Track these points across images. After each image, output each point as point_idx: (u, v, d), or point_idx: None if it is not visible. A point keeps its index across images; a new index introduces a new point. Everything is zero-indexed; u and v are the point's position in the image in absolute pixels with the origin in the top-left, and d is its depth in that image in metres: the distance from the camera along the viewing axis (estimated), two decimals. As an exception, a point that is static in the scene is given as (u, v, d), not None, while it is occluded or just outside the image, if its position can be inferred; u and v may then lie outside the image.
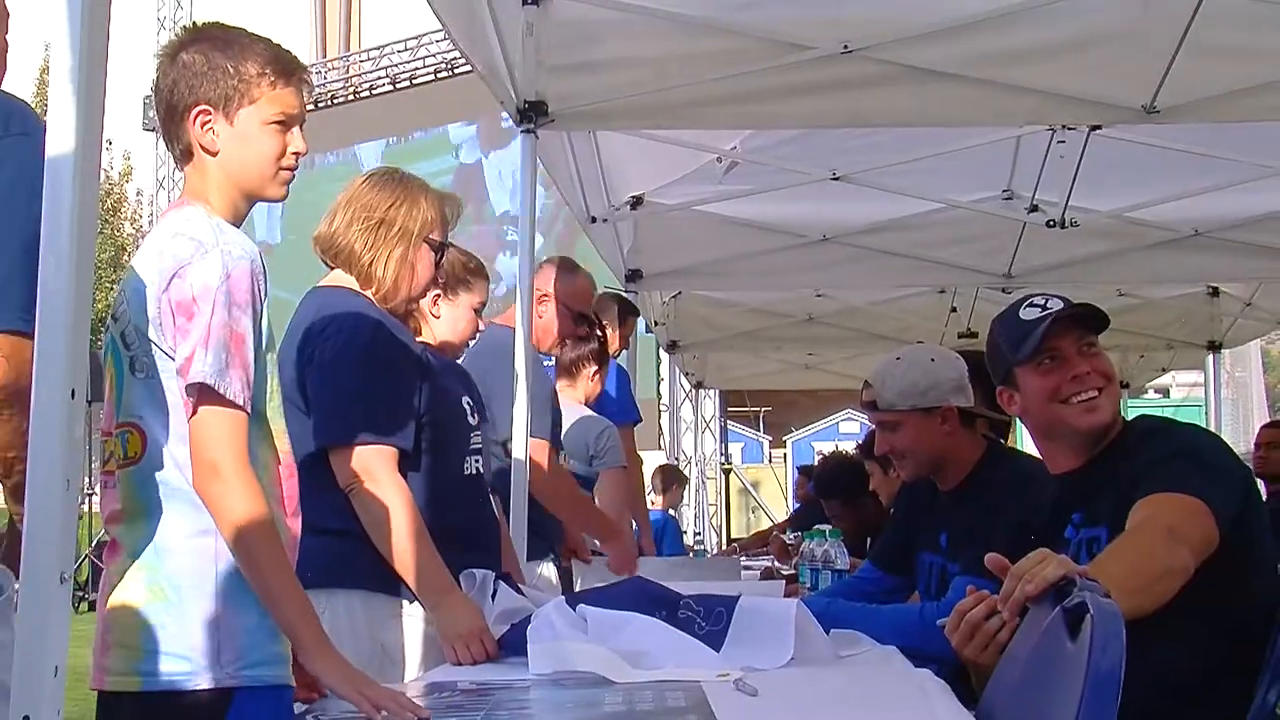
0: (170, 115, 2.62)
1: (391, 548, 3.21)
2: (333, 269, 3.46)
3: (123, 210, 33.38)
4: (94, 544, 19.54)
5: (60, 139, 1.77)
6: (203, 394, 2.40)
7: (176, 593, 2.45)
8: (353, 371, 3.27)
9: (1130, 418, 3.14)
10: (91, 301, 1.79)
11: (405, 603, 3.30)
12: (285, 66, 2.66)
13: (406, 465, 3.31)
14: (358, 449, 3.20)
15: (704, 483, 16.72)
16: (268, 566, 2.40)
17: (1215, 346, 10.04)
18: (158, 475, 2.48)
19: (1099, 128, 5.54)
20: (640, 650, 2.81)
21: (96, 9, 1.78)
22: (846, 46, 4.74)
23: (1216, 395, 10.41)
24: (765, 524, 22.36)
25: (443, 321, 4.17)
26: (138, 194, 33.32)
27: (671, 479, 11.22)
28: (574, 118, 5.07)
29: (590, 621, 2.95)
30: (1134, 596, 2.44)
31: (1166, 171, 6.48)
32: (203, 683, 2.43)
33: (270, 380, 2.59)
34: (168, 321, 2.45)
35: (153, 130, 23.27)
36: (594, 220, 6.74)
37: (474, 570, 3.40)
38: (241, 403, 2.44)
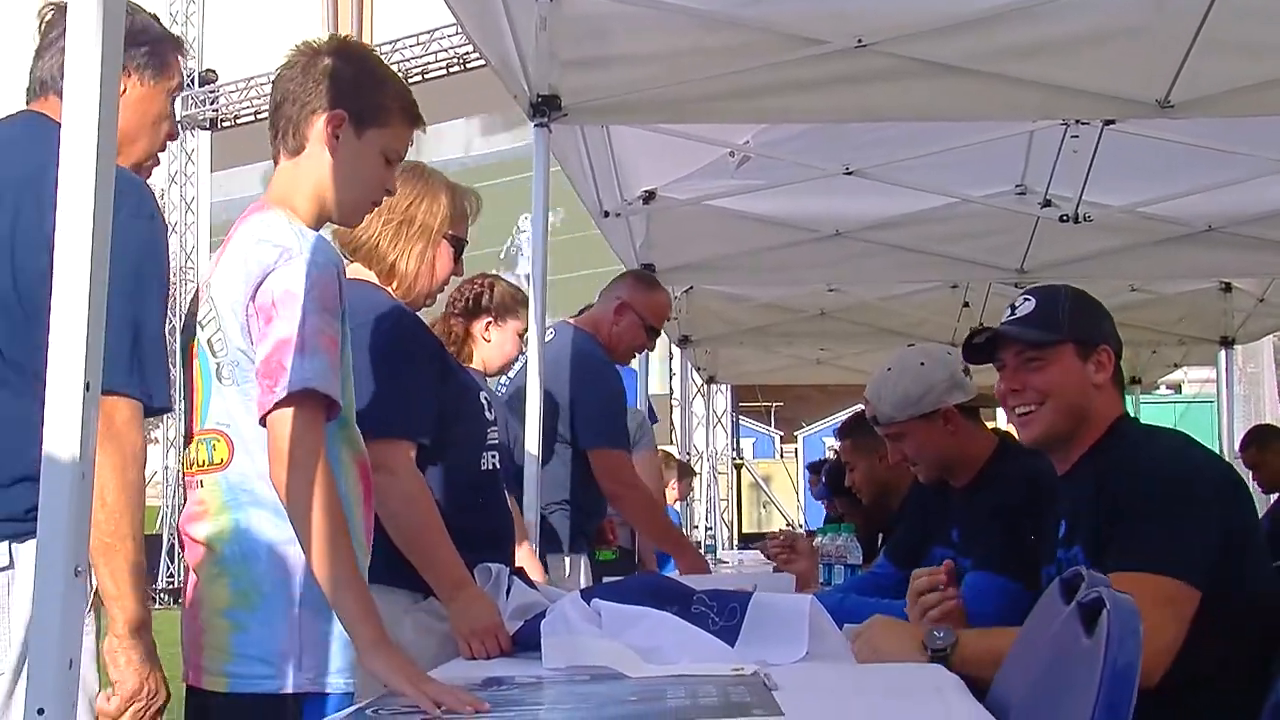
0: (295, 106, 2.68)
1: (408, 541, 3.21)
2: (350, 262, 3.46)
3: (135, 205, 33.41)
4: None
5: (76, 135, 1.76)
6: (303, 397, 2.42)
7: (261, 598, 2.54)
8: (373, 366, 3.27)
9: (1128, 418, 3.12)
10: (107, 296, 1.78)
11: (419, 597, 3.30)
12: (415, 111, 2.79)
13: (424, 459, 3.32)
14: (376, 442, 3.19)
15: (715, 477, 16.76)
16: (335, 563, 2.40)
17: (1228, 342, 10.01)
18: (244, 483, 2.55)
19: (1113, 122, 5.53)
20: (654, 645, 2.80)
21: (113, 6, 1.77)
22: (860, 41, 4.74)
23: (1229, 391, 10.39)
24: (777, 518, 22.42)
25: (492, 345, 4.70)
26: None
27: (683, 472, 11.22)
28: (587, 112, 5.07)
29: (604, 616, 2.94)
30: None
31: (1180, 166, 6.46)
32: (284, 686, 2.52)
33: (349, 385, 2.65)
34: (255, 327, 2.50)
35: (165, 125, 23.29)
36: (606, 215, 6.74)
37: (489, 565, 3.40)
38: (342, 405, 2.51)
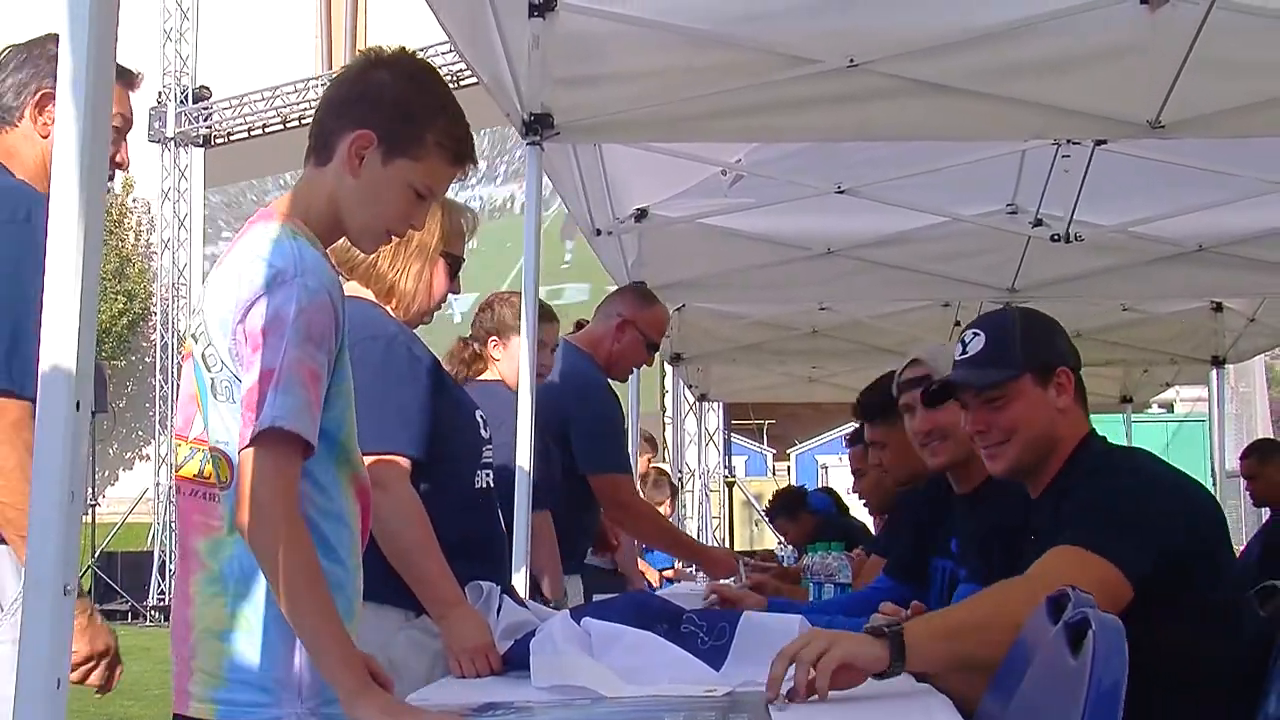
0: (332, 114, 2.60)
1: (400, 556, 3.21)
2: (347, 280, 3.45)
3: (127, 222, 33.47)
4: (96, 554, 19.64)
5: (66, 150, 1.77)
6: (271, 434, 2.33)
7: (261, 622, 2.43)
8: (368, 382, 3.22)
9: (1093, 436, 3.12)
10: (97, 314, 1.79)
11: (411, 615, 3.30)
12: (461, 150, 2.64)
13: (419, 476, 3.32)
14: (369, 457, 3.12)
15: (707, 495, 16.74)
16: (309, 611, 2.34)
17: (1219, 362, 10.03)
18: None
19: (1104, 142, 5.54)
20: (636, 665, 2.80)
21: (103, 19, 1.78)
22: (852, 60, 4.74)
23: (1220, 410, 10.41)
24: (768, 536, 22.41)
25: (503, 361, 4.88)
26: (135, 203, 33.47)
27: (672, 490, 11.24)
28: (579, 130, 5.07)
29: (593, 636, 2.95)
30: (951, 642, 2.57)
31: (1171, 186, 6.47)
32: (281, 716, 2.42)
33: (349, 409, 2.58)
34: (243, 351, 2.40)
35: (158, 141, 23.30)
36: (599, 233, 6.75)
37: (480, 582, 3.40)
38: (313, 444, 2.39)
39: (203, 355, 2.49)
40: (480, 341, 4.98)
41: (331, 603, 2.37)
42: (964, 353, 3.12)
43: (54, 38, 3.08)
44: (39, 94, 3.19)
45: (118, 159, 3.18)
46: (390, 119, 2.56)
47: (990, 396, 3.06)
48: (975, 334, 3.12)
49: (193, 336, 2.54)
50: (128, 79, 3.20)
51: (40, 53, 3.21)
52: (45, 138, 3.19)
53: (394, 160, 2.56)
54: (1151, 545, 2.75)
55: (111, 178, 3.13)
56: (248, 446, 2.33)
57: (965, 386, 3.12)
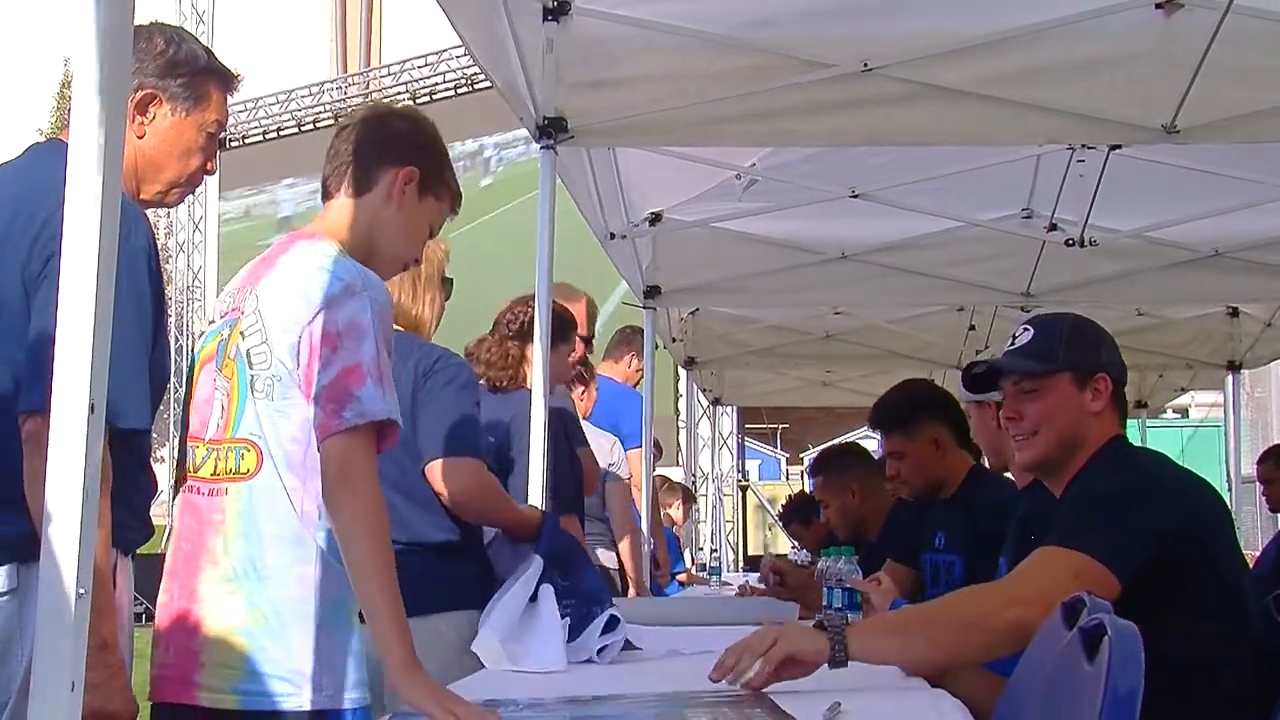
0: (372, 150, 2.85)
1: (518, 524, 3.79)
2: None
3: (142, 224, 33.48)
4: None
5: (82, 156, 1.77)
6: (371, 427, 2.52)
7: (278, 618, 2.57)
8: (466, 400, 3.78)
9: (1119, 439, 3.14)
10: (112, 317, 1.79)
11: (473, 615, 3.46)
12: (461, 198, 3.00)
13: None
14: (468, 461, 3.71)
15: (720, 499, 16.74)
16: (381, 590, 2.46)
17: (1235, 367, 10.01)
18: (267, 497, 2.60)
19: (1119, 147, 5.53)
20: (523, 649, 3.10)
21: (118, 28, 1.78)
22: (866, 65, 4.74)
23: (1236, 416, 10.39)
24: (782, 540, 22.43)
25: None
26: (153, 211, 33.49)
27: (686, 496, 11.30)
28: (593, 134, 5.08)
29: (538, 615, 3.22)
30: (894, 637, 2.71)
31: (1186, 191, 6.45)
32: (301, 704, 2.56)
33: None
34: (305, 352, 2.56)
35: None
36: (613, 237, 6.74)
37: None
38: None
39: (248, 351, 2.63)
40: (523, 344, 4.94)
41: (398, 586, 2.50)
42: (1013, 344, 3.20)
43: (158, 29, 2.94)
44: (138, 93, 2.84)
45: (209, 166, 3.00)
46: (427, 161, 2.87)
47: (1026, 387, 3.13)
48: (1026, 329, 3.21)
49: (241, 334, 2.66)
50: (228, 82, 3.05)
51: (146, 47, 2.86)
52: (140, 138, 2.88)
53: (426, 198, 2.86)
54: (1139, 531, 2.80)
55: (200, 183, 3.13)
56: (340, 433, 2.50)
57: (1004, 371, 3.19)
